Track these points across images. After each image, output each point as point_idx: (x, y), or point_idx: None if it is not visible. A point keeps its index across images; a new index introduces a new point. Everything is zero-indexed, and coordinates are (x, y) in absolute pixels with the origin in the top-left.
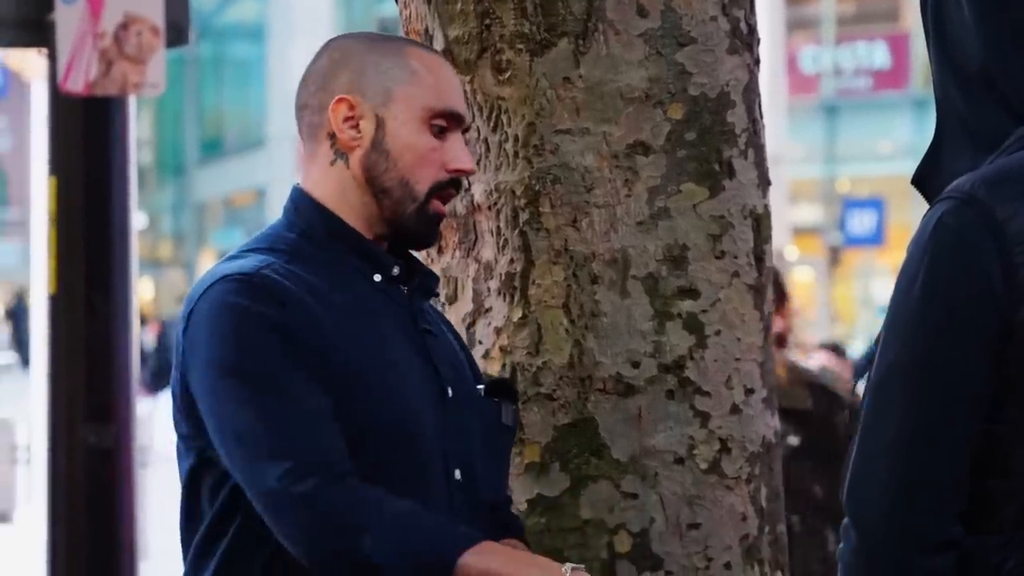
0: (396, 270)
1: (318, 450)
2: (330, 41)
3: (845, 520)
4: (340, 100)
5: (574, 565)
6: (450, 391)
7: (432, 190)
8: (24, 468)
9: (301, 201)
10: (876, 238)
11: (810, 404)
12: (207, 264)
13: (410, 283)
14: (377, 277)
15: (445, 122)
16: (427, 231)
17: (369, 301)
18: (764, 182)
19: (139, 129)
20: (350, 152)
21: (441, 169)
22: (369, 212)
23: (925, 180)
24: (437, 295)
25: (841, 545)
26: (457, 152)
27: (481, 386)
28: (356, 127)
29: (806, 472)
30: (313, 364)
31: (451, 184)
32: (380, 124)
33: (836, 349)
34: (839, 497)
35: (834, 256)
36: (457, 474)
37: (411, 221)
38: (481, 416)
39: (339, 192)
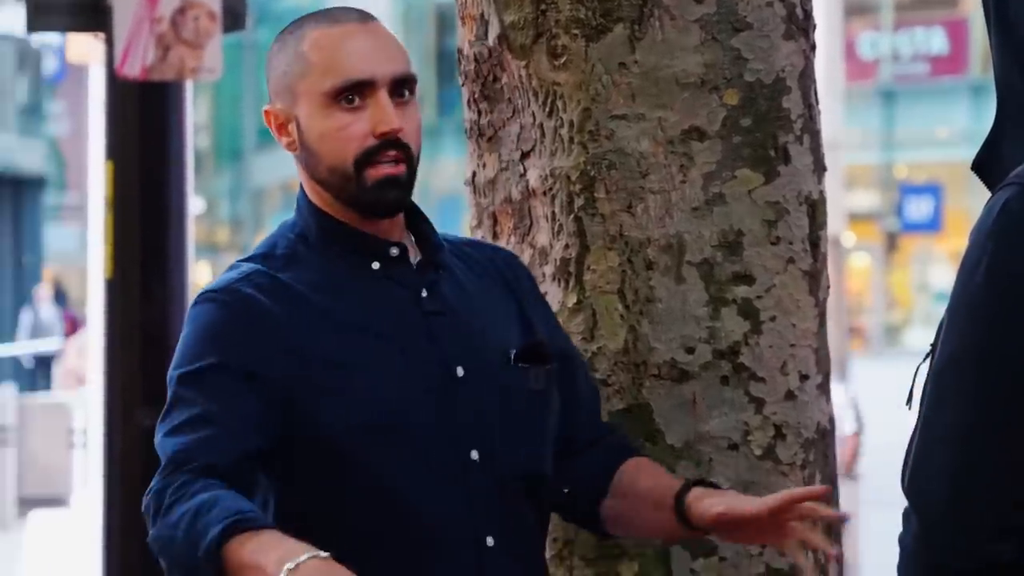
0: (394, 251)
1: (178, 453)
2: None
3: (906, 506)
4: (266, 113)
5: (312, 554)
6: (460, 370)
7: (359, 161)
8: (80, 452)
9: (300, 200)
10: (933, 224)
11: None
12: None
13: (421, 258)
14: (375, 265)
15: (354, 94)
16: (377, 199)
17: (366, 294)
18: (820, 168)
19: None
20: (296, 155)
21: (367, 138)
22: (333, 201)
23: (985, 166)
24: (444, 266)
25: (902, 531)
26: (377, 116)
27: (513, 351)
28: (287, 132)
29: None
30: (258, 376)
31: (383, 147)
32: (297, 124)
33: None
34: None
35: (891, 242)
36: (474, 455)
37: (358, 197)
38: (505, 388)
39: (312, 190)
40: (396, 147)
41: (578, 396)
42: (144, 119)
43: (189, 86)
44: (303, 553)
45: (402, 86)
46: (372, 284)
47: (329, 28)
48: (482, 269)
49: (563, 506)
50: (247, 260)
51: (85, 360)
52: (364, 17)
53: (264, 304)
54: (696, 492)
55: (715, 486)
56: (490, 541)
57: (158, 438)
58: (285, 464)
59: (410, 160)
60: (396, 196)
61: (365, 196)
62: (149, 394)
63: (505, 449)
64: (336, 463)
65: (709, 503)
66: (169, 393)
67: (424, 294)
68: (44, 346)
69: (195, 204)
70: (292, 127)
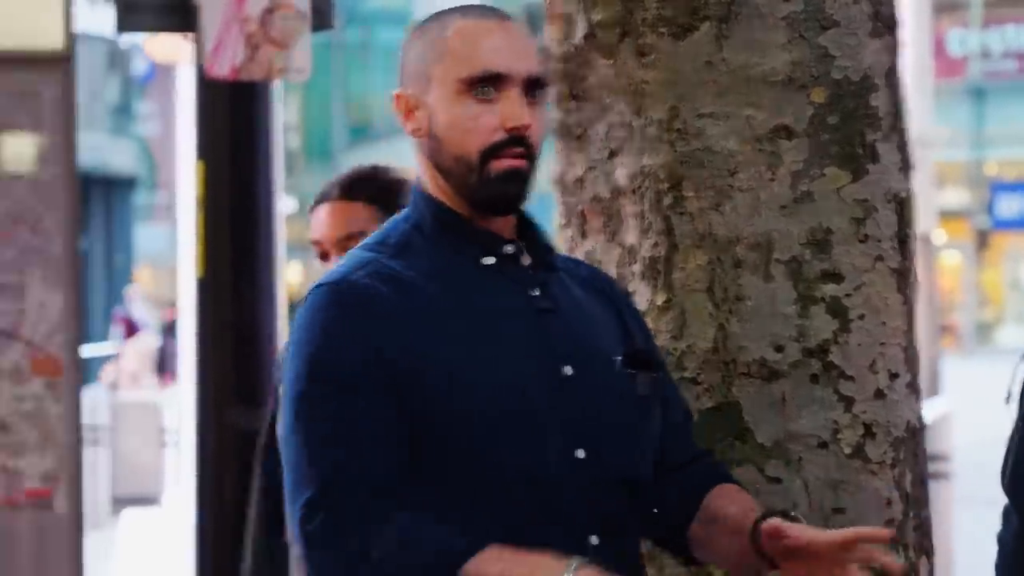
0: (510, 248)
1: (335, 477)
2: None
3: (1006, 504)
4: (396, 97)
5: (580, 560)
6: (568, 369)
7: (485, 154)
8: (173, 451)
9: (415, 191)
10: None
11: None
12: None
13: (533, 259)
14: (488, 260)
15: (489, 85)
16: (498, 194)
17: (478, 287)
18: (907, 166)
19: (287, 114)
20: (420, 142)
21: (496, 131)
22: (454, 194)
23: None
24: (556, 268)
25: (1001, 529)
26: (508, 110)
27: (618, 358)
28: (415, 119)
29: None
30: (387, 375)
31: (510, 143)
32: (428, 111)
33: None
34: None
35: (982, 240)
36: (580, 453)
37: (478, 190)
38: (611, 391)
39: (432, 180)
40: (522, 144)
41: (670, 414)
42: (233, 119)
43: (278, 86)
44: (571, 560)
45: (535, 86)
46: (484, 278)
47: (471, 20)
48: (583, 281)
49: (650, 525)
50: (361, 249)
51: (143, 362)
52: (505, 16)
53: (381, 293)
54: (772, 521)
55: (796, 519)
56: (594, 540)
57: (297, 439)
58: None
59: (532, 159)
60: (517, 191)
61: (487, 188)
62: (241, 393)
63: (609, 450)
64: (447, 452)
65: (782, 531)
66: (295, 388)
67: (536, 292)
68: (99, 349)
69: (286, 204)
70: (421, 113)
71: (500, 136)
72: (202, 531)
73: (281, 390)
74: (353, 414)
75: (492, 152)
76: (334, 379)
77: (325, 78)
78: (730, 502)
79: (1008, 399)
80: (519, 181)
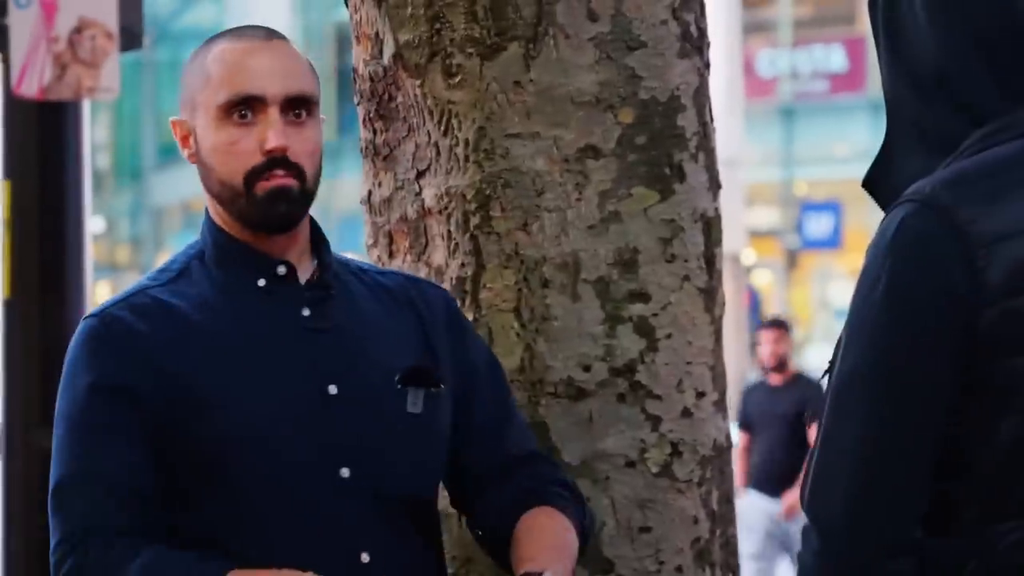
0: (282, 270)
1: (81, 519)
2: None
3: (805, 523)
4: (172, 124)
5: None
6: (334, 388)
7: (248, 178)
8: None
9: (204, 217)
10: (833, 241)
11: None
12: None
13: (310, 279)
14: (261, 282)
15: (246, 109)
16: (269, 210)
17: (249, 311)
18: (715, 185)
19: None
20: (197, 168)
21: (254, 155)
22: (228, 217)
23: (876, 183)
24: (330, 287)
25: (800, 548)
26: (264, 133)
27: (397, 375)
28: (188, 144)
29: None
30: (136, 409)
31: (269, 165)
32: (195, 135)
33: (782, 325)
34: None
35: (791, 259)
36: (344, 472)
37: (248, 212)
38: (381, 408)
39: (212, 205)
40: (284, 166)
41: (472, 428)
42: (41, 139)
43: (86, 105)
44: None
45: (298, 105)
46: (255, 301)
47: (233, 44)
48: (387, 294)
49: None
50: (144, 277)
51: None
52: (270, 35)
53: (134, 327)
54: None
55: None
56: (365, 558)
57: (53, 482)
58: (167, 489)
59: (302, 178)
60: (285, 209)
61: (256, 209)
62: (47, 415)
63: (379, 469)
64: (208, 478)
65: None
66: (56, 423)
67: (306, 312)
68: None
69: (95, 223)
70: (191, 140)
71: (259, 160)
72: (8, 553)
73: None
74: (98, 454)
75: (254, 176)
76: (82, 418)
77: (135, 97)
78: (521, 542)
79: (807, 418)
80: (287, 199)
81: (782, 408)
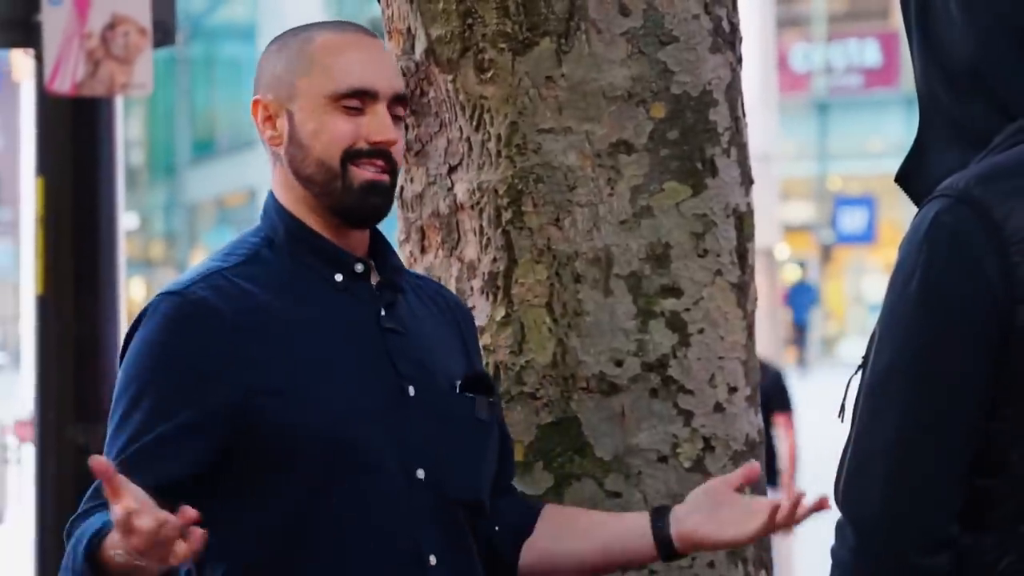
0: (359, 267)
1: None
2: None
3: (840, 518)
4: (255, 103)
5: None
6: (412, 389)
7: (345, 158)
8: (15, 468)
9: (268, 204)
10: (867, 235)
11: None
12: None
13: (381, 279)
14: (338, 277)
15: (356, 101)
16: (364, 201)
17: (326, 304)
18: (747, 180)
19: (130, 129)
20: (278, 150)
21: (359, 141)
22: (312, 204)
23: (910, 177)
24: (403, 290)
25: (835, 544)
26: (373, 125)
27: (458, 381)
28: (274, 126)
29: None
30: (211, 394)
31: (372, 154)
32: (291, 118)
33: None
34: None
35: (825, 254)
36: (420, 473)
37: (343, 196)
38: (451, 413)
39: (289, 191)
40: (385, 159)
41: (504, 439)
42: (75, 135)
43: (120, 102)
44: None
45: (398, 104)
46: (333, 295)
47: (339, 35)
48: (431, 301)
49: (489, 548)
50: (209, 260)
51: None
52: (367, 32)
53: (217, 307)
54: (676, 515)
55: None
56: (432, 560)
57: (119, 447)
58: (233, 478)
59: (394, 175)
60: (377, 203)
61: (350, 197)
62: (81, 411)
63: (449, 472)
64: (281, 470)
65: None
66: (116, 398)
67: (383, 312)
68: None
69: (128, 219)
70: (282, 122)
71: (363, 145)
72: (43, 549)
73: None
74: (162, 434)
75: (353, 156)
76: (151, 396)
77: (169, 93)
78: (575, 514)
79: (841, 413)
80: (381, 194)
81: None
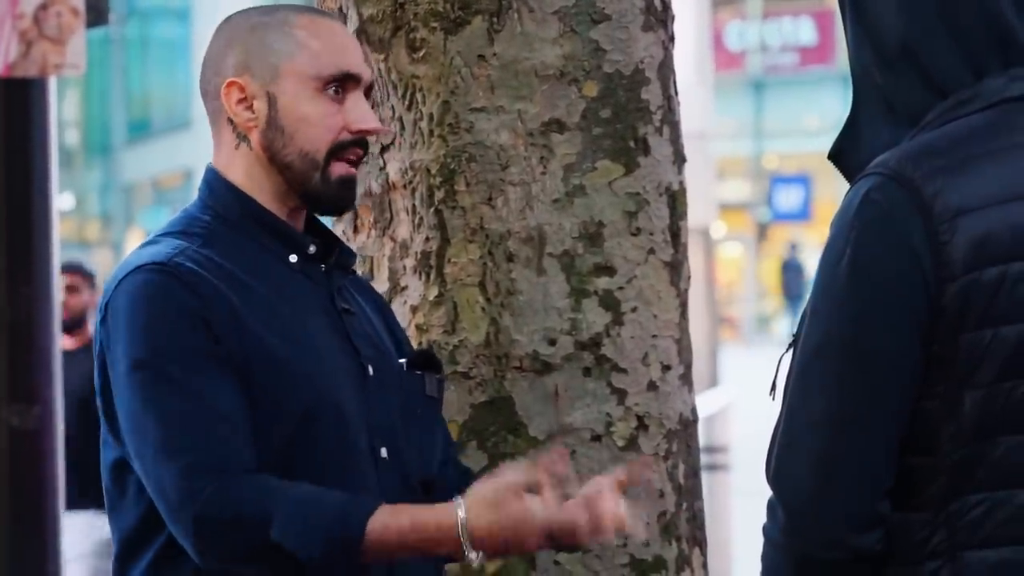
0: (312, 248)
1: (214, 451)
2: (221, 23)
3: (771, 497)
4: (230, 84)
5: (462, 498)
6: (371, 369)
7: (331, 152)
8: None
9: (215, 182)
10: (803, 214)
11: None
12: (135, 245)
13: (327, 261)
14: (293, 258)
15: (340, 85)
16: (339, 195)
17: (286, 283)
18: (679, 159)
19: (66, 110)
20: (249, 133)
21: (342, 131)
22: (279, 189)
23: (843, 155)
24: (354, 272)
25: (767, 522)
26: (358, 112)
27: (403, 360)
28: (250, 108)
29: None
30: (227, 355)
31: (354, 144)
32: (272, 102)
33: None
34: None
35: (761, 232)
36: (383, 452)
37: (320, 188)
38: (404, 391)
39: (248, 174)
40: (364, 148)
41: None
42: (7, 116)
43: (54, 82)
44: (457, 499)
45: (369, 90)
46: (290, 275)
47: (317, 18)
48: (356, 283)
49: None
50: (163, 236)
51: None
52: (334, 16)
53: (211, 281)
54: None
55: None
56: None
57: (152, 414)
58: None
59: (361, 162)
60: (351, 197)
61: (325, 189)
62: (15, 391)
63: (408, 450)
64: (269, 441)
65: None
66: (140, 371)
67: (335, 293)
68: None
69: (64, 200)
70: (260, 105)
71: (346, 136)
72: None
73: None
74: (208, 391)
75: (338, 150)
76: (180, 357)
77: (104, 73)
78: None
79: (772, 391)
80: (353, 187)
81: (74, 383)
